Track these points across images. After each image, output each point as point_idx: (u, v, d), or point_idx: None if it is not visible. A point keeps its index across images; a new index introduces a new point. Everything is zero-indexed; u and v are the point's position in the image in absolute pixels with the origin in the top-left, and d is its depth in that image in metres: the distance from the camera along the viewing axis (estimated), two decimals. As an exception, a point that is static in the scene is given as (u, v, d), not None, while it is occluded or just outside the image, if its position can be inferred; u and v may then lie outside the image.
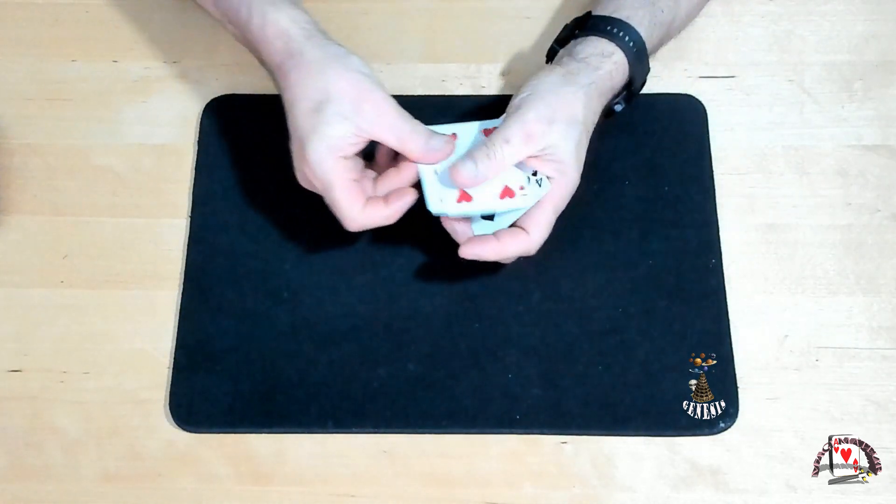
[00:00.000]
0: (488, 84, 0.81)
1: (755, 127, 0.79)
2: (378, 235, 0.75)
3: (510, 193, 0.67)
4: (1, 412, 0.72)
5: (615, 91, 0.72)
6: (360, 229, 0.68)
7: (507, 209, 0.67)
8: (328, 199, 0.67)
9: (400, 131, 0.66)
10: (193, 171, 0.78)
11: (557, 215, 0.68)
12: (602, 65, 0.70)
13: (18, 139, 0.80)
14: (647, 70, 0.73)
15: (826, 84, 0.80)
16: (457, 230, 0.69)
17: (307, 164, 0.66)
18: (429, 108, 0.79)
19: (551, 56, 0.75)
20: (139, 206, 0.78)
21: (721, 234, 0.75)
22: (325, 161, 0.65)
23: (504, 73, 0.81)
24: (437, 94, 0.81)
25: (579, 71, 0.69)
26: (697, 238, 0.75)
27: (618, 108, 0.75)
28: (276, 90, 0.69)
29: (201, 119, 0.80)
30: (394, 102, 0.67)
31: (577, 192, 0.69)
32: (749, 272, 0.74)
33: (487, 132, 0.69)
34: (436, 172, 0.68)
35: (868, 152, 0.78)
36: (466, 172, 0.65)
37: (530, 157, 0.67)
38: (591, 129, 0.70)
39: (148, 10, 0.84)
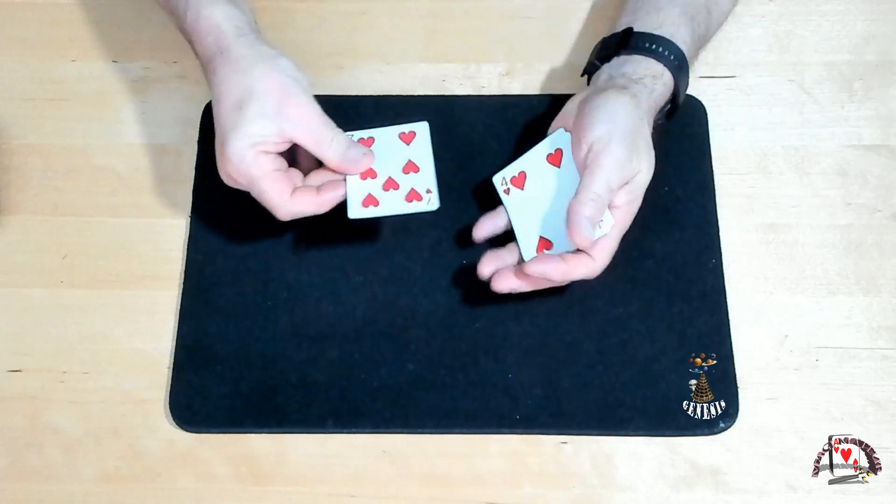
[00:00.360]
0: (488, 84, 0.81)
1: (755, 127, 0.79)
2: (378, 235, 0.75)
3: (417, 197, 0.68)
4: (1, 412, 0.72)
5: (659, 110, 0.72)
6: (292, 217, 0.67)
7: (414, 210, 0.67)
8: (255, 193, 0.66)
9: (320, 137, 0.66)
10: (193, 171, 0.78)
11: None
12: (655, 86, 0.70)
13: (18, 139, 0.80)
14: (687, 85, 0.73)
15: (826, 84, 0.80)
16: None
17: (228, 161, 0.65)
18: (429, 108, 0.80)
19: (590, 71, 0.74)
20: (139, 206, 0.78)
21: (721, 234, 0.75)
22: (246, 156, 0.65)
23: (504, 73, 0.81)
24: (437, 94, 0.81)
25: (640, 94, 0.69)
26: (697, 238, 0.75)
27: (659, 122, 0.74)
28: (208, 86, 0.69)
29: (201, 119, 0.80)
30: (318, 108, 0.66)
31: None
32: (749, 272, 0.74)
33: (404, 137, 0.70)
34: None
35: (868, 152, 0.78)
36: (587, 233, 0.64)
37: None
38: (650, 149, 0.69)
39: (148, 10, 0.84)
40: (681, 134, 0.78)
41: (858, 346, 0.72)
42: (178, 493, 0.69)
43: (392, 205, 0.67)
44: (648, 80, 0.70)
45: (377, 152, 0.69)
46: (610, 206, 0.67)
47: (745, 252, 0.75)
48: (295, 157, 0.70)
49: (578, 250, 0.66)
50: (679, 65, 0.71)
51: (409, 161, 0.69)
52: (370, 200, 0.67)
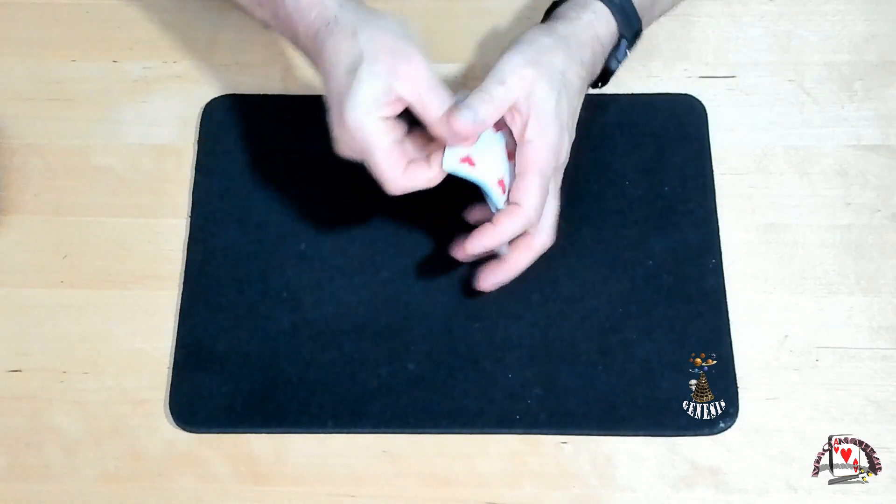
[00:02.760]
0: (488, 84, 0.81)
1: (755, 127, 0.79)
2: (379, 235, 0.75)
3: (503, 189, 0.66)
4: (1, 412, 0.72)
5: (602, 43, 0.70)
6: (403, 192, 0.65)
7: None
8: (368, 163, 0.65)
9: (427, 98, 0.64)
10: (193, 171, 0.78)
11: (548, 181, 0.66)
12: (580, 16, 0.69)
13: (18, 139, 0.80)
14: (638, 23, 0.72)
15: (826, 84, 0.80)
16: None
17: (345, 128, 0.64)
18: (429, 108, 0.80)
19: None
20: (139, 206, 0.78)
21: (721, 234, 0.75)
22: (364, 124, 0.63)
23: (504, 73, 0.81)
24: (437, 94, 0.81)
25: (557, 25, 0.69)
26: (697, 238, 0.75)
27: (614, 64, 0.73)
28: (313, 67, 0.68)
29: (201, 119, 0.80)
30: (428, 68, 0.64)
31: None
32: (749, 272, 0.74)
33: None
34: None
35: (868, 152, 0.78)
36: (465, 119, 0.63)
37: (513, 109, 0.65)
38: (575, 83, 0.68)
39: (148, 10, 0.84)
40: (681, 134, 0.78)
41: (858, 346, 0.72)
42: (178, 493, 0.69)
43: (485, 175, 0.66)
44: (571, 11, 0.70)
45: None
46: (520, 144, 0.65)
47: (745, 252, 0.75)
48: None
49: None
50: (619, 1, 0.70)
51: (510, 148, 0.68)
52: (468, 160, 0.66)
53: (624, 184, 0.76)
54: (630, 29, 0.72)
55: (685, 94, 0.80)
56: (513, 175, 0.67)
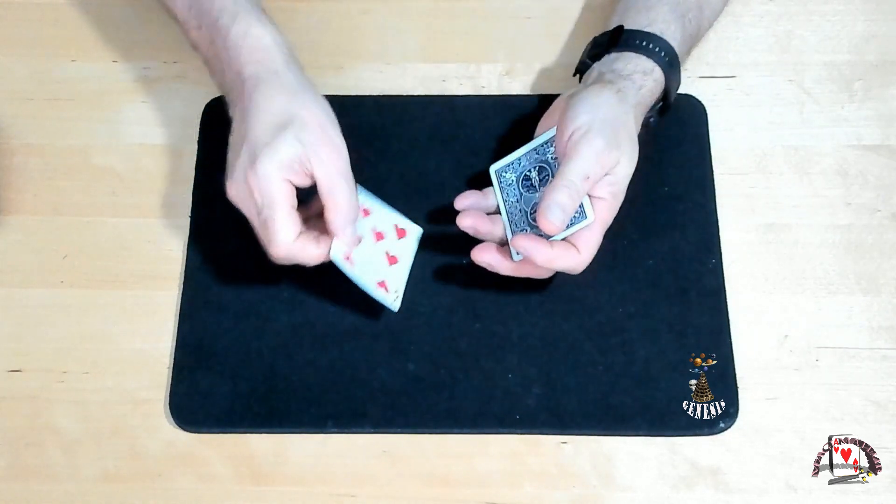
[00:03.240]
0: (488, 84, 0.81)
1: (755, 127, 0.79)
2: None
3: (386, 289, 0.69)
4: (1, 412, 0.72)
5: (650, 107, 0.72)
6: (283, 259, 0.66)
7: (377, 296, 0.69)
8: (263, 218, 0.64)
9: (337, 189, 0.65)
10: (193, 171, 0.78)
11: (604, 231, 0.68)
12: (645, 83, 0.70)
13: (18, 139, 0.80)
14: (679, 83, 0.73)
15: (826, 84, 0.80)
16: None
17: (254, 177, 0.64)
18: (429, 108, 0.80)
19: (581, 70, 0.75)
20: (139, 206, 0.78)
21: (721, 234, 0.75)
22: (274, 177, 0.64)
23: (504, 73, 0.81)
24: (437, 94, 0.81)
25: (627, 90, 0.69)
26: (697, 238, 0.75)
27: (652, 121, 0.74)
28: (226, 96, 0.69)
29: (201, 119, 0.80)
30: (346, 158, 0.66)
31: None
32: (749, 272, 0.74)
33: (399, 231, 0.71)
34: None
35: (868, 152, 0.78)
36: (556, 220, 0.64)
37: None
38: (637, 146, 0.69)
39: (148, 10, 0.84)
40: (681, 134, 0.78)
41: (858, 346, 0.72)
42: (178, 493, 0.69)
43: (365, 276, 0.68)
44: (637, 76, 0.70)
45: (369, 228, 0.69)
46: (592, 199, 0.67)
47: (745, 252, 0.75)
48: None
49: (565, 240, 0.67)
50: (670, 61, 0.71)
51: (392, 255, 0.71)
52: (349, 259, 0.68)
53: (624, 184, 0.76)
54: (675, 89, 0.73)
55: (685, 94, 0.80)
56: (398, 275, 0.69)
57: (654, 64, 0.70)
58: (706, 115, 0.79)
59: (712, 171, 0.77)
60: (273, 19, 0.69)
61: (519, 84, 0.81)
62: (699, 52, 0.82)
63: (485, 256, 0.68)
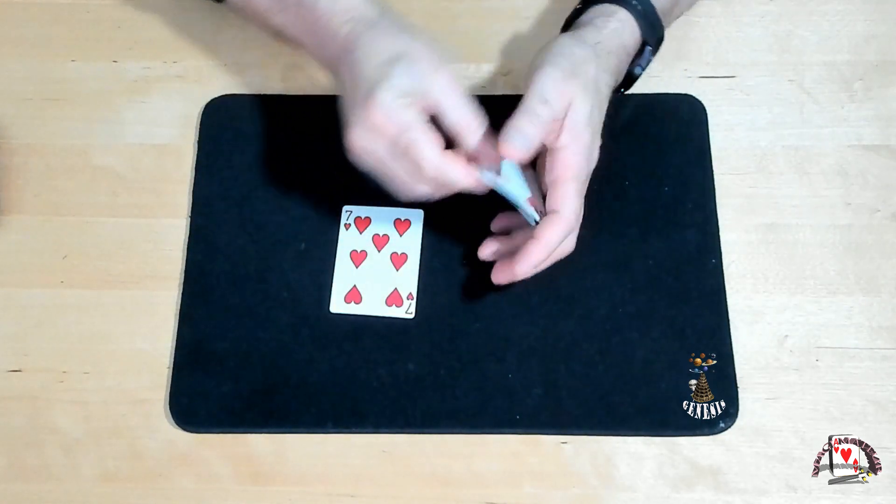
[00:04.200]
0: (488, 84, 0.81)
1: (755, 127, 0.79)
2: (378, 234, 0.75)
3: (398, 302, 0.71)
4: (1, 412, 0.72)
5: (628, 51, 0.71)
6: (433, 183, 0.64)
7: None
8: (403, 143, 0.63)
9: (462, 115, 0.64)
10: (193, 171, 0.78)
11: (584, 186, 0.67)
12: (607, 24, 0.70)
13: (18, 139, 0.80)
14: (661, 30, 0.73)
15: (826, 84, 0.80)
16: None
17: (378, 109, 0.62)
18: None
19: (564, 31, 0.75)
20: (139, 206, 0.78)
21: (721, 234, 0.75)
22: (396, 104, 0.62)
23: (504, 73, 0.81)
24: (437, 94, 0.81)
25: (586, 32, 0.69)
26: (697, 238, 0.75)
27: (638, 70, 0.74)
28: (328, 69, 0.69)
29: (201, 119, 0.80)
30: (462, 87, 0.65)
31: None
32: (749, 272, 0.74)
33: (399, 224, 0.72)
34: None
35: (868, 152, 0.78)
36: (516, 144, 0.64)
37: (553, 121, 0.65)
38: (604, 91, 0.69)
39: (148, 10, 0.84)
40: (681, 134, 0.78)
41: (858, 346, 0.72)
42: (178, 493, 0.69)
43: (373, 306, 0.70)
44: (598, 20, 0.70)
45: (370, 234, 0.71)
46: (553, 150, 0.66)
47: (745, 252, 0.75)
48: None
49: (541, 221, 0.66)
50: (639, 4, 0.70)
51: (396, 253, 0.72)
52: (353, 296, 0.69)
53: (624, 184, 0.76)
54: (653, 35, 0.73)
55: (685, 94, 0.80)
56: (535, 189, 0.67)
57: (618, 7, 0.70)
58: (706, 115, 0.79)
59: (712, 171, 0.77)
60: None
61: (519, 84, 0.81)
62: (699, 52, 0.82)
63: (501, 278, 0.68)
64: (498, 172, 0.66)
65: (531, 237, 0.66)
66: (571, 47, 0.68)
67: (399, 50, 0.64)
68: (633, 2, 0.71)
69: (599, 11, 0.71)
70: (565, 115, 0.65)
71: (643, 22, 0.71)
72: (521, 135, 0.64)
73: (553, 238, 0.66)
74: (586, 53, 0.67)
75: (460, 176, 0.64)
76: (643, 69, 0.74)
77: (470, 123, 0.64)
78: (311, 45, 0.70)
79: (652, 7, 0.72)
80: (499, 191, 0.67)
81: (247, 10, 0.74)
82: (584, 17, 0.72)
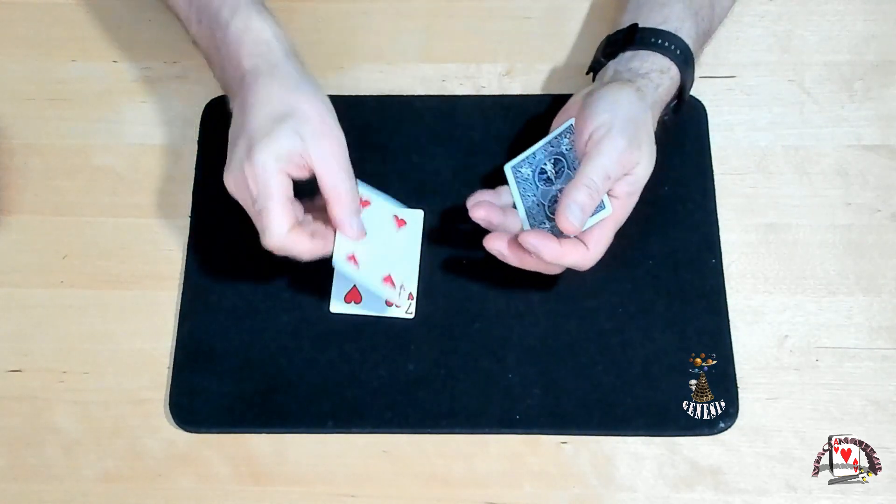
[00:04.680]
0: (488, 84, 0.81)
1: (755, 127, 0.79)
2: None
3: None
4: (1, 412, 0.72)
5: (666, 105, 0.72)
6: (276, 249, 0.65)
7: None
8: (259, 209, 0.64)
9: (338, 182, 0.65)
10: (193, 171, 0.78)
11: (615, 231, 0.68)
12: (662, 81, 0.70)
13: (18, 139, 0.80)
14: (693, 80, 0.73)
15: (826, 84, 0.80)
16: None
17: (251, 167, 0.63)
18: (429, 108, 0.80)
19: (595, 68, 0.75)
20: (139, 206, 0.78)
21: (721, 234, 0.75)
22: (269, 167, 0.63)
23: (504, 73, 0.81)
24: (437, 93, 0.81)
25: (645, 88, 0.69)
26: (697, 238, 0.75)
27: (667, 119, 0.74)
28: (226, 91, 0.69)
29: (201, 119, 0.80)
30: (346, 152, 0.66)
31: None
32: (749, 272, 0.74)
33: (398, 220, 0.71)
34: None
35: (868, 152, 0.78)
36: (575, 220, 0.64)
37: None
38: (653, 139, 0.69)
39: (148, 10, 0.84)
40: (681, 134, 0.78)
41: (858, 346, 0.72)
42: (178, 493, 0.69)
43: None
44: (655, 74, 0.70)
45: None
46: (610, 197, 0.67)
47: (745, 252, 0.75)
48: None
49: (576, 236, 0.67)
50: (685, 59, 0.71)
51: (396, 247, 0.71)
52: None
53: (624, 184, 0.76)
54: (689, 87, 0.73)
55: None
56: (404, 269, 0.70)
57: (671, 62, 0.70)
58: (706, 115, 0.79)
59: (712, 171, 0.77)
60: (274, 13, 0.69)
61: (519, 84, 0.81)
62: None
63: (495, 244, 0.68)
64: (354, 259, 0.67)
65: (556, 238, 0.66)
66: (635, 108, 0.67)
67: (289, 107, 0.65)
68: (681, 56, 0.70)
69: (654, 64, 0.70)
70: (626, 176, 0.66)
71: (687, 78, 0.72)
72: (580, 209, 0.64)
73: (567, 258, 0.66)
74: (647, 116, 0.68)
75: (304, 251, 0.65)
76: (670, 119, 0.74)
77: (339, 196, 0.65)
78: (216, 65, 0.70)
79: (692, 61, 0.72)
80: (352, 280, 0.69)
81: (173, 11, 0.74)
82: (638, 66, 0.70)
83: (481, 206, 0.69)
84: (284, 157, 0.64)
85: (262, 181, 0.64)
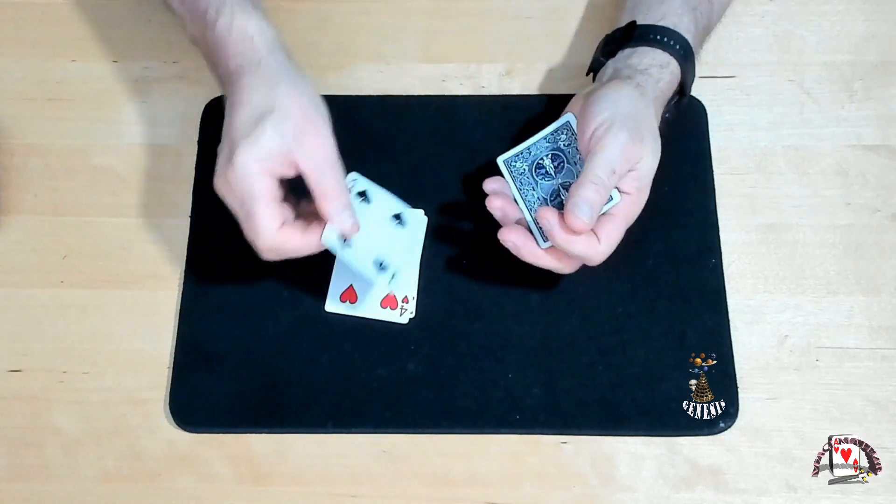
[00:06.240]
0: (488, 84, 0.81)
1: (755, 127, 0.79)
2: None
3: (392, 304, 0.70)
4: (1, 412, 0.72)
5: (668, 101, 0.72)
6: (272, 253, 0.64)
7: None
8: (245, 212, 0.63)
9: (324, 178, 0.64)
10: (193, 171, 0.78)
11: (627, 226, 0.68)
12: (662, 76, 0.70)
13: (18, 139, 0.80)
14: (694, 76, 0.73)
15: (826, 84, 0.80)
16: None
17: (234, 170, 0.62)
18: (429, 108, 0.80)
19: (595, 68, 0.75)
20: (139, 206, 0.78)
21: (721, 234, 0.75)
22: (251, 170, 0.62)
23: (504, 73, 0.81)
24: (437, 94, 0.81)
25: (645, 84, 0.69)
26: (697, 238, 0.75)
27: (668, 116, 0.74)
28: (220, 86, 0.69)
29: (201, 119, 0.80)
30: (333, 145, 0.64)
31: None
32: (749, 272, 0.74)
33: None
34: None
35: (868, 152, 0.78)
36: (584, 216, 0.64)
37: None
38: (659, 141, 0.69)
39: (148, 10, 0.84)
40: (681, 134, 0.78)
41: (858, 346, 0.72)
42: (178, 493, 0.69)
43: (368, 308, 0.70)
44: (654, 70, 0.70)
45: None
46: (620, 193, 0.67)
47: (745, 252, 0.75)
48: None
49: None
50: (685, 54, 0.71)
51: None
52: (349, 295, 0.68)
53: (624, 184, 0.76)
54: (690, 82, 0.73)
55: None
56: (401, 263, 0.69)
57: (670, 57, 0.70)
58: (706, 115, 0.79)
59: (712, 171, 0.77)
60: (261, 7, 0.68)
61: (519, 84, 0.81)
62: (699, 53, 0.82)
63: (511, 236, 0.67)
64: (345, 238, 0.66)
65: (564, 239, 0.65)
66: (636, 104, 0.67)
67: (270, 105, 0.63)
68: (680, 50, 0.70)
69: (654, 59, 0.70)
70: (631, 170, 0.66)
71: (687, 73, 0.72)
72: (589, 206, 0.64)
73: (576, 248, 0.66)
74: (649, 112, 0.68)
75: (298, 247, 0.65)
76: (671, 115, 0.74)
77: (326, 191, 0.64)
78: (208, 60, 0.70)
79: (692, 55, 0.72)
80: (341, 259, 0.67)
81: (171, 11, 0.73)
82: (638, 62, 0.70)
83: (499, 198, 0.68)
84: (265, 157, 0.63)
85: (245, 184, 0.63)
